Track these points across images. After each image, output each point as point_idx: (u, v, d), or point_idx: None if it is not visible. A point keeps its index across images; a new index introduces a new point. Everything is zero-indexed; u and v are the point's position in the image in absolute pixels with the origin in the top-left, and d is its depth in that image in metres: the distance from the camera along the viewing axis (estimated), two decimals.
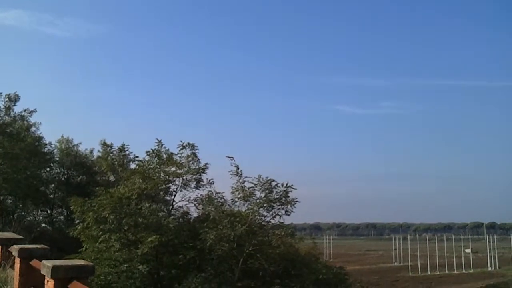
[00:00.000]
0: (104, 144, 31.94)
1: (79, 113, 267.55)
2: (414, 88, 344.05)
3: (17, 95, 34.26)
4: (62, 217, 38.51)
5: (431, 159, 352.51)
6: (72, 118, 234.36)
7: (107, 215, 19.02)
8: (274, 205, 21.28)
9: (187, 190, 22.34)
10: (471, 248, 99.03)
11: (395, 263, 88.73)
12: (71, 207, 21.51)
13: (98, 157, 34.89)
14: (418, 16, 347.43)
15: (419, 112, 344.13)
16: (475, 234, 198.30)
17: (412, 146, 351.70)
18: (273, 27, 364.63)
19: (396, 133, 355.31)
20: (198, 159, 22.38)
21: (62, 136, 39.59)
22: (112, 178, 31.25)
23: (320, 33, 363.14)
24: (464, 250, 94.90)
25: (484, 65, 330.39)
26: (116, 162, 27.29)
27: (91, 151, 39.54)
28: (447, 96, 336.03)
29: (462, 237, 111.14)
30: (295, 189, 21.49)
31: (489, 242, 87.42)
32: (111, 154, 27.88)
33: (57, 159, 37.95)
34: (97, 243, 19.65)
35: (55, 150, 38.20)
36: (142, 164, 23.38)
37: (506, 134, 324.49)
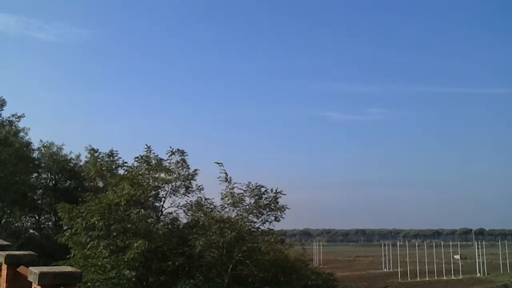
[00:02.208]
0: (92, 150, 31.85)
1: (67, 118, 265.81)
2: (403, 94, 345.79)
3: (4, 100, 34.01)
4: (50, 223, 38.22)
5: (421, 166, 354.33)
6: (60, 122, 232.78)
7: (95, 222, 18.89)
8: (263, 211, 21.27)
9: (177, 196, 22.25)
10: (460, 254, 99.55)
11: (385, 269, 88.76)
12: (59, 213, 21.35)
13: (86, 162, 34.68)
14: (406, 22, 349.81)
15: (407, 118, 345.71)
16: (464, 240, 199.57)
17: (401, 152, 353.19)
18: (260, 32, 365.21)
19: (385, 139, 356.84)
20: (188, 165, 22.33)
21: (49, 141, 39.27)
22: (100, 183, 31.08)
23: (308, 39, 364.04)
24: (453, 256, 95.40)
25: (474, 72, 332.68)
26: (104, 168, 27.20)
27: (78, 156, 39.25)
28: (435, 103, 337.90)
29: (451, 243, 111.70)
30: (285, 194, 21.51)
31: (478, 248, 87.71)
32: (99, 160, 27.78)
33: (43, 164, 37.60)
34: (85, 250, 19.49)
35: (44, 157, 37.87)
36: (131, 170, 23.28)
37: (495, 141, 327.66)
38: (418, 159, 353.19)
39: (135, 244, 18.31)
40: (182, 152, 22.42)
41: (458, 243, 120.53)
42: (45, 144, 38.31)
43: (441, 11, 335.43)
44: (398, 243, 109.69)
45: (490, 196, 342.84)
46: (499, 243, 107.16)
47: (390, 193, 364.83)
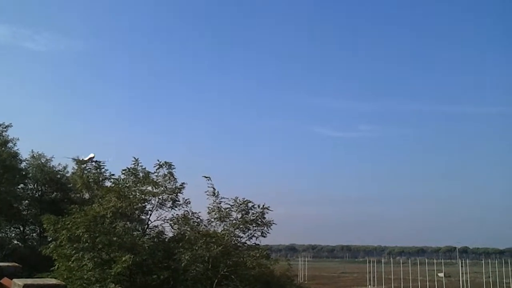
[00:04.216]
0: (79, 161, 31.66)
1: (55, 128, 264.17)
2: (392, 112, 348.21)
3: None
4: (34, 234, 37.80)
5: (407, 183, 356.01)
6: (47, 132, 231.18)
7: (81, 234, 18.79)
8: (250, 226, 21.31)
9: (163, 210, 22.19)
10: (444, 272, 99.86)
11: (369, 286, 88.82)
12: (44, 225, 21.21)
13: (73, 173, 34.49)
14: (397, 39, 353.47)
15: (396, 136, 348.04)
16: (448, 258, 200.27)
17: (389, 169, 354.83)
18: (249, 44, 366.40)
19: (373, 156, 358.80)
20: (175, 178, 22.34)
21: (34, 151, 38.97)
22: (87, 195, 30.90)
23: (298, 53, 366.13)
24: (437, 274, 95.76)
25: (465, 90, 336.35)
26: (91, 180, 27.06)
27: (65, 167, 39.01)
28: (423, 120, 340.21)
29: (435, 261, 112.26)
30: (272, 210, 21.55)
31: (462, 266, 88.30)
32: (86, 171, 27.65)
33: (30, 175, 37.34)
34: (70, 262, 19.36)
35: (30, 167, 37.62)
36: (117, 182, 23.25)
37: (480, 160, 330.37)
38: (405, 176, 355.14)
39: (123, 258, 18.25)
40: (169, 165, 22.43)
41: (442, 261, 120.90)
42: (34, 155, 38.11)
43: (435, 27, 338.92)
44: (383, 260, 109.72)
45: (475, 214, 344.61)
46: (483, 261, 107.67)
47: (375, 209, 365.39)
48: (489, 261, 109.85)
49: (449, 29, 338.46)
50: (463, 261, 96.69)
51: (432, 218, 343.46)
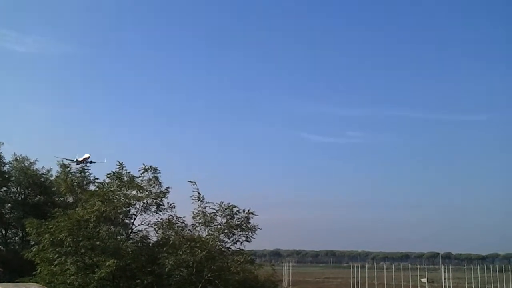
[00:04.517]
0: (63, 165, 31.49)
1: (40, 131, 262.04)
2: (380, 118, 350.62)
3: None
4: (17, 238, 37.35)
5: (392, 189, 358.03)
6: (32, 135, 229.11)
7: (64, 238, 18.67)
8: (235, 231, 21.30)
9: (147, 214, 22.19)
10: (427, 278, 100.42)
11: None
12: (27, 229, 21.04)
13: (57, 177, 34.21)
14: (384, 45, 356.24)
15: (383, 142, 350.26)
16: (431, 264, 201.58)
17: (375, 175, 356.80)
18: (236, 49, 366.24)
19: (359, 162, 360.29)
20: (160, 182, 22.31)
21: (22, 156, 38.61)
22: (70, 199, 30.70)
23: (286, 59, 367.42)
24: (420, 280, 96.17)
25: (453, 98, 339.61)
26: (75, 183, 26.92)
27: (49, 171, 38.64)
28: (412, 128, 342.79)
29: (418, 266, 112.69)
30: (257, 215, 21.56)
31: (445, 272, 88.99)
32: (70, 175, 27.50)
33: (13, 178, 36.97)
34: (52, 266, 19.23)
35: (13, 170, 37.25)
36: (102, 186, 23.19)
37: (465, 167, 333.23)
38: (390, 183, 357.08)
39: (107, 263, 18.16)
40: (155, 170, 22.41)
41: (426, 266, 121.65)
42: (17, 158, 37.74)
43: (423, 34, 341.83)
44: (367, 265, 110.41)
45: (458, 220, 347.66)
46: (465, 267, 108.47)
47: (360, 215, 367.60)
48: (472, 267, 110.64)
49: (438, 35, 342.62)
50: (446, 267, 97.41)
51: (416, 224, 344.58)
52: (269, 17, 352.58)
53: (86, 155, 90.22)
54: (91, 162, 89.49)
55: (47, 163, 39.46)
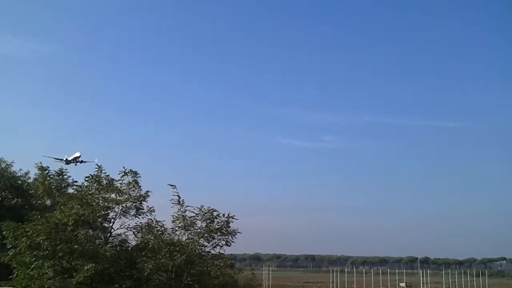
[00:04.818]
0: (41, 167, 31.05)
1: (16, 133, 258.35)
2: (358, 123, 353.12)
3: None
4: None
5: (370, 194, 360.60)
6: (7, 137, 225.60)
7: (41, 241, 18.51)
8: (214, 235, 21.30)
9: (127, 218, 22.08)
10: (405, 282, 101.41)
11: None
12: (3, 232, 20.75)
13: (35, 180, 33.76)
14: (361, 51, 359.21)
15: (359, 147, 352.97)
16: (410, 268, 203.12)
17: (352, 180, 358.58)
18: (216, 55, 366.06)
19: (337, 167, 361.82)
20: (140, 186, 22.20)
21: None
22: (48, 202, 30.32)
23: (266, 64, 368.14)
24: (398, 284, 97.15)
25: (429, 105, 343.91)
26: (53, 186, 26.59)
27: (27, 173, 38.14)
28: (388, 133, 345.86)
29: (397, 271, 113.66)
30: (237, 219, 21.62)
31: (423, 276, 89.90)
32: (48, 178, 27.15)
33: None
34: (29, 270, 19.03)
35: None
36: (80, 189, 23.00)
37: (443, 172, 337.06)
38: (368, 187, 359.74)
39: (86, 267, 18.01)
40: (135, 173, 22.31)
41: (404, 271, 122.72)
42: None
43: (402, 40, 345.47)
44: (346, 270, 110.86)
45: (435, 225, 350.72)
46: (443, 272, 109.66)
47: (340, 219, 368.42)
48: (449, 272, 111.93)
49: (418, 38, 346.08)
50: (424, 272, 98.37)
51: (394, 229, 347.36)
52: (245, 24, 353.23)
53: (77, 154, 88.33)
54: (81, 161, 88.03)
55: (20, 166, 38.83)
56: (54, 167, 28.65)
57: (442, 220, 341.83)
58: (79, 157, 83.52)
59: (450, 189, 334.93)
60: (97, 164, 22.82)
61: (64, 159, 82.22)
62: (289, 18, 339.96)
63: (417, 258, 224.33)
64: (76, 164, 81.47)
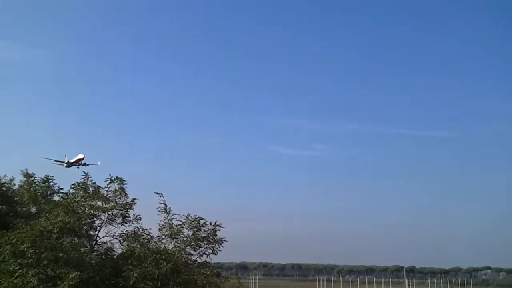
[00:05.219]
0: (27, 174, 30.83)
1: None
2: (346, 132, 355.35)
3: None
4: None
5: (357, 202, 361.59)
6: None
7: (25, 249, 18.35)
8: (201, 243, 21.24)
9: (113, 226, 21.93)
10: None
11: None
12: None
13: (20, 187, 33.43)
14: (347, 61, 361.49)
15: (347, 155, 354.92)
16: (396, 277, 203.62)
17: (340, 187, 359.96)
18: (207, 64, 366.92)
19: (326, 174, 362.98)
20: (126, 194, 22.08)
21: None
22: (34, 209, 30.04)
23: (255, 74, 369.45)
24: None
25: (414, 115, 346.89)
26: (39, 193, 26.39)
27: (12, 180, 37.69)
28: (375, 142, 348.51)
29: (383, 280, 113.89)
30: (224, 228, 21.58)
31: (409, 285, 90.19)
32: (33, 185, 26.96)
33: None
34: (13, 278, 18.79)
35: None
36: (66, 197, 22.82)
37: (428, 181, 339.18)
38: (355, 195, 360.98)
39: (70, 276, 17.85)
40: (121, 180, 22.19)
41: (390, 280, 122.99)
42: None
43: (385, 48, 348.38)
44: (332, 279, 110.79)
45: (421, 234, 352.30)
46: (429, 281, 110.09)
47: (327, 227, 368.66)
48: (435, 281, 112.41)
49: (405, 52, 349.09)
50: (410, 281, 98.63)
51: (381, 237, 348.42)
52: (229, 34, 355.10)
53: (80, 156, 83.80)
54: (84, 164, 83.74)
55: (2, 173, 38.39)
56: (44, 172, 28.35)
57: (428, 229, 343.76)
58: (83, 159, 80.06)
59: (435, 198, 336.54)
60: (84, 172, 22.71)
61: (65, 161, 78.77)
62: (281, 30, 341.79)
63: (403, 267, 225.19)
64: (78, 167, 78.39)
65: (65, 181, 25.57)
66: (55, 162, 76.58)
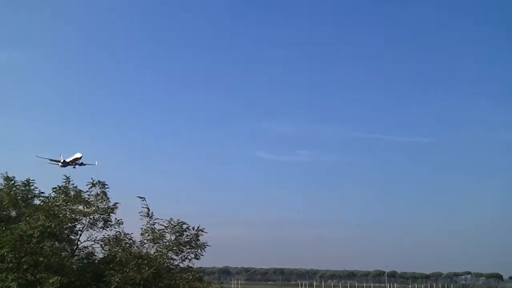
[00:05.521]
0: (7, 177, 30.41)
1: None
2: (329, 138, 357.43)
3: None
4: None
5: (340, 207, 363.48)
6: None
7: (5, 253, 18.22)
8: (184, 248, 21.21)
9: (94, 230, 21.81)
10: None
11: None
12: None
13: (0, 190, 32.99)
14: (333, 67, 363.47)
15: (329, 161, 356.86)
16: (377, 282, 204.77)
17: (322, 193, 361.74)
18: (193, 69, 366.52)
19: (308, 180, 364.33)
20: (108, 198, 21.96)
21: None
22: (14, 213, 29.62)
23: (242, 80, 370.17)
24: None
25: (399, 121, 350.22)
26: (19, 197, 26.06)
27: None
28: (358, 148, 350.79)
29: (364, 284, 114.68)
30: (206, 232, 21.63)
31: None
32: (14, 188, 26.60)
33: None
34: None
35: None
36: (47, 201, 22.62)
37: (408, 186, 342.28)
38: (337, 201, 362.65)
39: (51, 281, 17.70)
40: (103, 184, 22.06)
41: (372, 284, 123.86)
42: None
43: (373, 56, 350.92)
44: (315, 283, 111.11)
45: (402, 239, 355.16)
46: (410, 286, 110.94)
47: (309, 232, 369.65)
48: (416, 286, 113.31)
49: (393, 58, 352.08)
50: (392, 285, 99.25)
51: (362, 242, 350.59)
52: (219, 41, 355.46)
53: (77, 155, 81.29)
54: (81, 164, 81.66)
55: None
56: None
57: (409, 234, 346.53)
58: (80, 158, 77.95)
59: (417, 202, 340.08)
60: (65, 175, 22.53)
61: (61, 160, 76.34)
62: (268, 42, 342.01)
63: (384, 272, 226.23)
64: (74, 167, 76.57)
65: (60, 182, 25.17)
66: (50, 161, 75.09)
